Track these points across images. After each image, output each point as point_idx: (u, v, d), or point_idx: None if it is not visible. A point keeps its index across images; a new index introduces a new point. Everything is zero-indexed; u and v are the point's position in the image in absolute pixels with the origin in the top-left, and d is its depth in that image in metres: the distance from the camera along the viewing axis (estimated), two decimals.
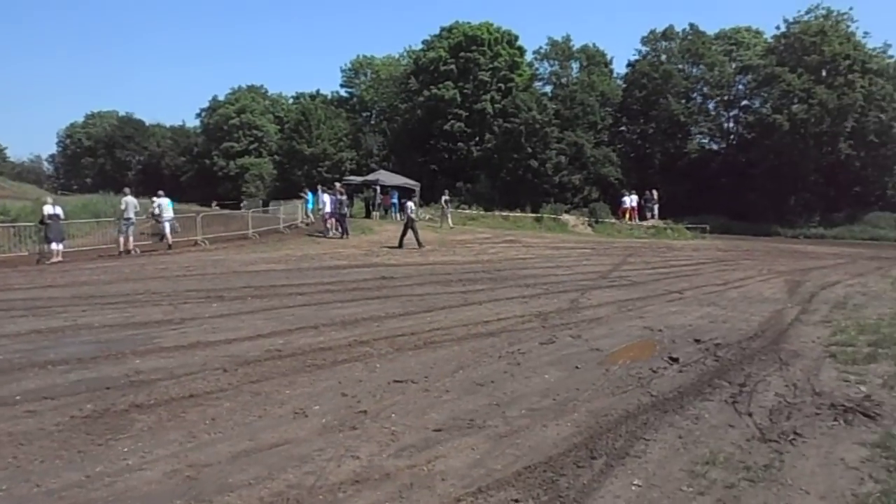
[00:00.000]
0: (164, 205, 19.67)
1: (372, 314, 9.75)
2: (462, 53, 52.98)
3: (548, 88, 56.32)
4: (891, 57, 44.84)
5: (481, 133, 52.69)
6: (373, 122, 69.33)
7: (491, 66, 53.49)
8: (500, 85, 53.71)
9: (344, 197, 24.14)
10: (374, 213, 32.97)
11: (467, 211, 37.36)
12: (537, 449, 4.70)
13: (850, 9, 46.31)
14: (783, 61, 44.43)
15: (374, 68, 71.65)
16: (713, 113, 53.19)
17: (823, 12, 45.68)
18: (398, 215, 32.64)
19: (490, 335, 8.53)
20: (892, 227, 39.51)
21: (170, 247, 18.86)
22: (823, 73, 43.15)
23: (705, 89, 51.92)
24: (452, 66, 52.82)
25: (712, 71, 50.67)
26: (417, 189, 36.78)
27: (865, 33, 44.98)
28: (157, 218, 19.93)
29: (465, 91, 52.60)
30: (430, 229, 27.58)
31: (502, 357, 7.37)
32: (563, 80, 55.29)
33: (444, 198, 31.36)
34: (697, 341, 8.49)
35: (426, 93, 52.97)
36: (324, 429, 5.02)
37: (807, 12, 46.16)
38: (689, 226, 36.35)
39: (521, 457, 4.54)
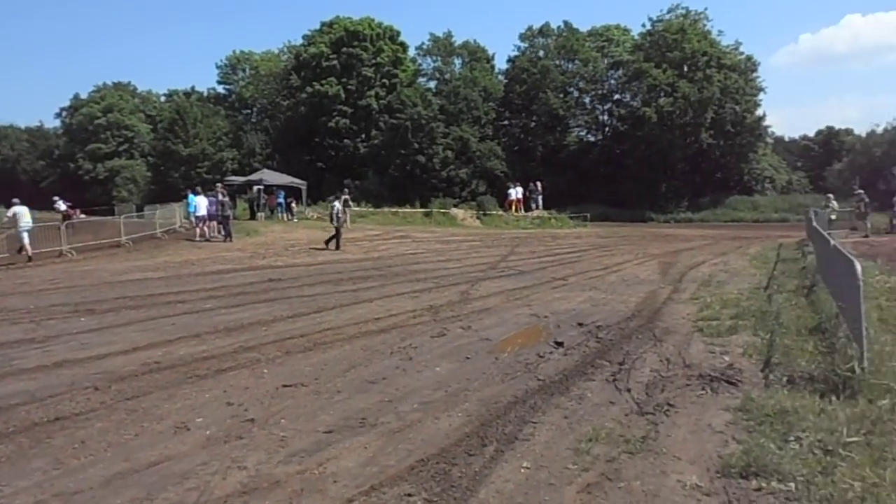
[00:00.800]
0: (21, 213, 17.92)
1: (259, 318, 9.44)
2: (344, 49, 52.29)
3: (432, 84, 56.90)
4: (742, 53, 49.07)
5: (367, 129, 52.32)
6: (254, 119, 66.70)
7: (374, 61, 53.19)
8: (384, 81, 53.54)
9: (226, 198, 23.13)
10: (258, 214, 31.82)
11: (356, 208, 36.95)
12: (430, 441, 4.73)
13: (706, 9, 50.44)
14: (649, 57, 47.39)
15: (252, 64, 68.93)
16: (589, 107, 55.83)
17: (683, 12, 49.29)
18: (285, 215, 31.74)
19: (381, 332, 8.51)
20: (749, 210, 43.40)
21: (30, 259, 17.25)
22: (685, 69, 46.51)
23: (581, 84, 54.37)
24: (335, 62, 52.02)
25: (587, 66, 53.17)
26: (304, 188, 35.94)
27: (720, 32, 49.11)
28: (9, 227, 18.14)
29: (349, 87, 51.99)
30: (319, 229, 27.10)
31: (394, 353, 7.37)
32: (447, 76, 56.07)
33: (344, 196, 30.25)
34: (581, 325, 8.89)
35: (309, 89, 51.86)
36: (207, 441, 4.80)
37: (668, 11, 49.63)
38: (572, 215, 38.00)
39: (414, 451, 4.56)
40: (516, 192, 38.29)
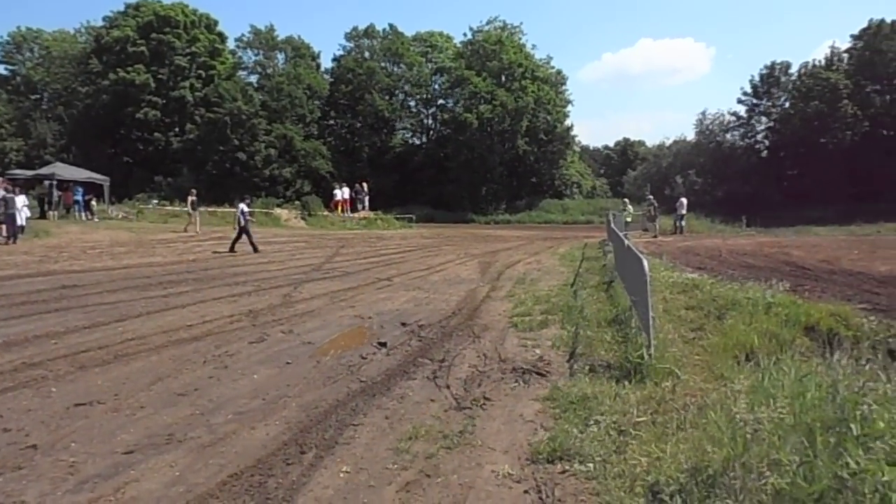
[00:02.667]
0: None
1: (48, 330, 8.35)
2: (154, 35, 48.44)
3: (253, 78, 54.62)
4: (552, 67, 53.20)
5: (181, 123, 48.97)
6: (45, 106, 59.00)
7: (189, 50, 49.92)
8: (200, 72, 50.48)
9: (11, 195, 20.23)
10: (50, 212, 28.21)
11: (168, 207, 34.32)
12: (245, 454, 4.49)
13: (521, 23, 53.92)
14: (471, 65, 49.56)
15: (42, 43, 61.11)
16: (414, 110, 57.16)
17: (500, 24, 52.31)
18: (83, 214, 28.52)
19: (194, 340, 7.94)
20: (559, 212, 47.09)
21: None
22: (503, 78, 49.29)
23: (406, 87, 55.43)
24: (143, 48, 48.02)
25: (412, 70, 54.31)
26: (107, 184, 32.62)
27: (533, 46, 52.86)
28: None
29: (161, 76, 48.29)
30: (124, 229, 24.77)
31: (207, 362, 6.91)
32: (269, 71, 54.10)
33: (190, 197, 27.08)
34: (404, 324, 9.00)
35: (112, 76, 47.30)
36: None
37: (487, 23, 52.42)
38: (398, 216, 38.55)
39: (227, 465, 4.29)
40: (342, 193, 38.00)
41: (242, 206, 19.92)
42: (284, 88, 49.02)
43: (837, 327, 7.65)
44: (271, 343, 7.87)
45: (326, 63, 56.85)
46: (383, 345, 7.71)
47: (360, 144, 52.03)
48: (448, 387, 6.06)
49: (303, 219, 35.82)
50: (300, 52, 55.09)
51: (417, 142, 57.35)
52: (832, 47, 53.68)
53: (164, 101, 48.46)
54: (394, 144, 54.19)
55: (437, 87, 55.54)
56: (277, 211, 36.49)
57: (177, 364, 6.80)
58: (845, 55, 52.46)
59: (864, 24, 51.46)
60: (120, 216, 29.72)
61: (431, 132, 57.00)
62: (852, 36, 52.56)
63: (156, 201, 36.42)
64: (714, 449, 3.70)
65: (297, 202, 40.47)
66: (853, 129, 48.71)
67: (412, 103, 56.86)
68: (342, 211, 37.36)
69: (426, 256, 19.51)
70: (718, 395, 4.90)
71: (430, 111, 57.00)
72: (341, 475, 4.16)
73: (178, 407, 5.47)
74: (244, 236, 19.46)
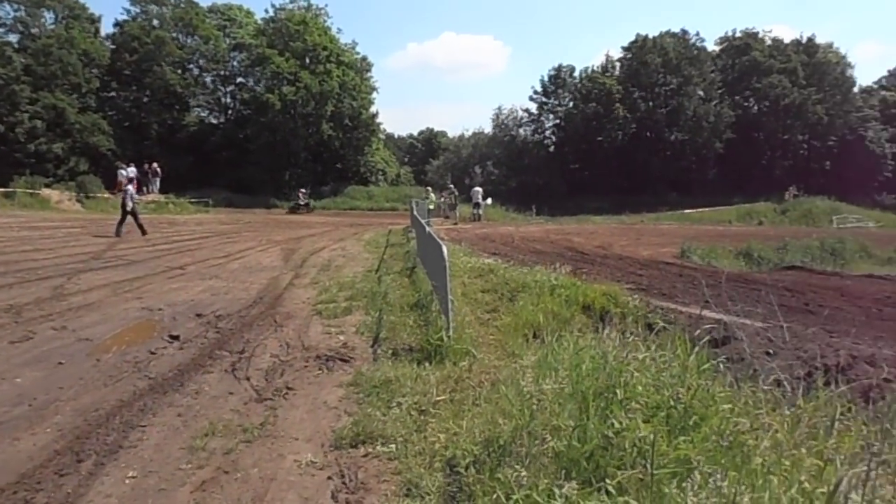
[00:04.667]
0: None
1: None
2: None
3: (12, 38, 47.09)
4: (358, 53, 52.94)
5: None
6: None
7: None
8: None
9: None
10: None
11: None
12: (6, 469, 3.93)
13: (326, 5, 52.87)
14: (273, 44, 47.54)
15: None
16: (211, 87, 53.44)
17: (305, 4, 50.80)
18: None
19: None
20: (365, 199, 47.22)
21: None
22: (307, 60, 47.99)
23: (201, 62, 51.66)
24: None
25: (207, 44, 50.69)
26: None
27: (339, 30, 51.96)
28: None
29: None
30: None
31: None
32: (34, 31, 47.10)
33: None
34: (199, 315, 8.47)
35: None
36: None
37: (291, 1, 50.54)
38: (193, 200, 35.97)
39: None
40: (129, 173, 34.47)
41: (130, 188, 20.06)
42: (54, 52, 42.92)
43: (609, 305, 8.64)
44: (39, 341, 6.95)
45: (108, 28, 50.89)
46: (175, 338, 7.19)
47: (147, 121, 47.39)
48: (248, 378, 5.83)
49: (79, 201, 31.87)
50: (74, 12, 48.61)
51: (214, 121, 53.66)
52: (607, 55, 60.36)
53: None
54: (188, 123, 50.19)
55: (235, 64, 52.44)
56: (46, 192, 31.97)
57: None
58: (618, 63, 59.19)
59: (633, 38, 58.43)
60: None
61: (230, 112, 53.76)
62: (623, 47, 59.43)
63: None
64: (505, 421, 4.00)
65: (71, 182, 35.82)
66: (624, 129, 55.27)
67: (208, 79, 53.10)
68: None
69: (225, 243, 18.48)
70: (509, 372, 5.29)
71: (229, 89, 53.68)
72: (127, 481, 3.82)
73: None
74: (130, 217, 19.22)
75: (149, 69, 46.61)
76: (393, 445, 4.24)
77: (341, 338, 7.40)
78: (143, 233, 18.85)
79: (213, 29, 51.65)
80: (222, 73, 52.67)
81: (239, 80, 52.94)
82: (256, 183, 45.16)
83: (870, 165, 57.92)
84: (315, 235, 22.20)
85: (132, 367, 6.08)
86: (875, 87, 67.77)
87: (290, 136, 46.49)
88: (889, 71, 71.71)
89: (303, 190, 41.27)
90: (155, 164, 36.33)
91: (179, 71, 49.25)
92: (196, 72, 51.99)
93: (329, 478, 3.90)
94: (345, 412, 5.00)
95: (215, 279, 11.65)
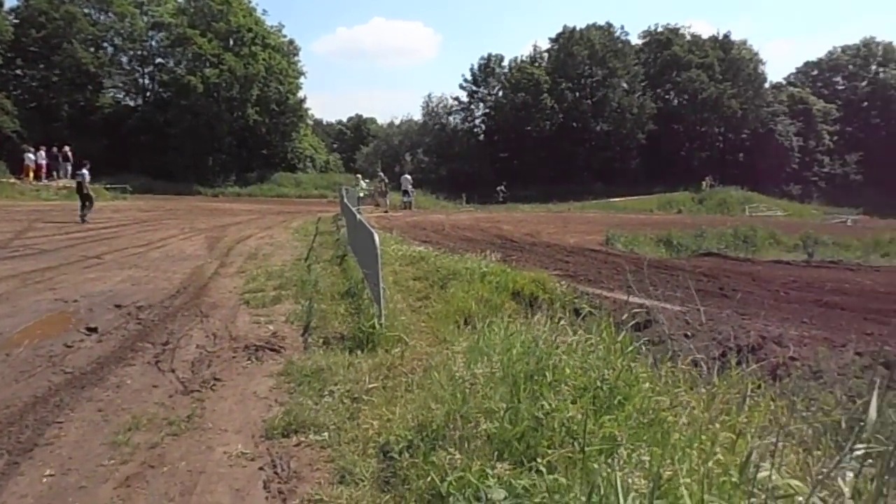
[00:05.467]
0: None
1: None
2: None
3: None
4: (285, 36, 51.54)
5: None
6: None
7: None
8: None
9: None
10: None
11: None
12: None
13: None
14: (194, 24, 45.66)
15: None
16: (127, 67, 50.81)
17: None
18: None
19: None
20: (293, 186, 46.27)
21: None
22: (231, 42, 46.39)
23: (117, 40, 49.03)
24: None
25: (123, 21, 48.11)
26: None
27: (264, 11, 50.38)
28: None
29: None
30: None
31: None
32: None
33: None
34: (119, 306, 8.10)
35: None
36: None
37: None
38: (109, 186, 34.22)
39: None
40: (37, 157, 32.46)
41: (85, 172, 20.34)
42: None
43: (537, 291, 8.87)
44: None
45: (10, 2, 47.49)
46: (93, 330, 6.86)
47: (57, 101, 44.58)
48: (173, 371, 5.65)
49: None
50: None
51: (132, 103, 51.01)
52: (535, 46, 61.29)
53: None
54: (102, 104, 47.52)
55: (154, 43, 50.01)
56: None
57: None
58: (546, 54, 60.21)
59: (560, 29, 59.57)
60: None
61: (149, 94, 51.28)
62: (550, 38, 60.50)
63: None
64: (437, 406, 4.05)
65: None
66: (552, 119, 56.36)
67: (124, 59, 50.44)
68: (36, 178, 31.91)
69: (145, 231, 17.71)
70: (441, 358, 5.35)
71: (147, 70, 51.16)
72: (44, 480, 3.65)
73: None
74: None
75: (58, 46, 43.83)
76: (326, 434, 4.23)
77: (271, 327, 7.26)
78: (83, 221, 18.88)
79: (130, 6, 49.00)
80: (140, 52, 50.12)
81: (158, 60, 50.54)
82: (178, 169, 43.36)
83: (779, 157, 61.57)
84: (241, 223, 21.61)
85: (46, 362, 5.77)
86: (784, 83, 71.99)
87: (213, 120, 44.89)
88: (797, 68, 76.63)
89: None
90: (66, 148, 34.31)
91: (92, 49, 46.57)
92: (111, 51, 49.29)
93: (261, 468, 3.85)
94: (276, 402, 4.93)
95: (135, 268, 11.16)
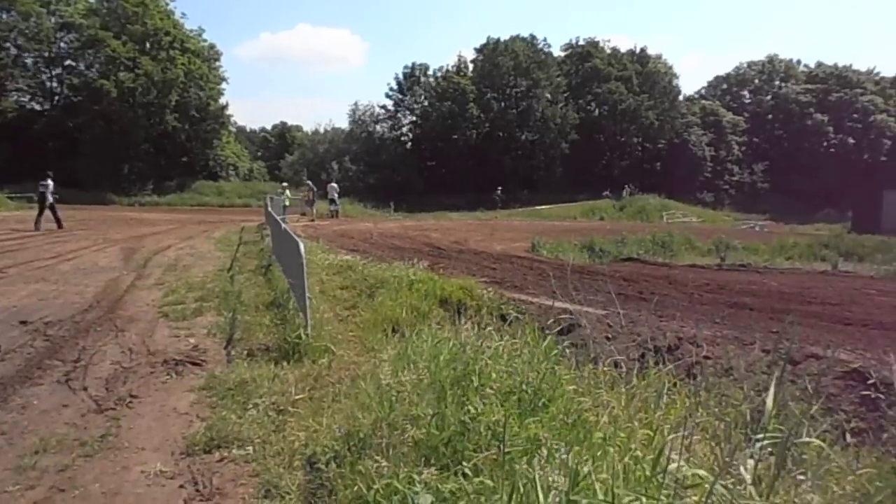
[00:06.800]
0: None
1: None
2: None
3: None
4: (205, 41, 50.10)
5: None
6: None
7: None
8: None
9: None
10: None
11: None
12: None
13: None
14: (107, 26, 43.72)
15: None
16: (33, 69, 47.98)
17: None
18: None
19: None
20: (215, 195, 44.91)
21: None
22: (148, 45, 44.67)
23: (21, 41, 46.21)
24: None
25: (28, 21, 45.42)
26: None
27: (183, 14, 48.89)
28: None
29: None
30: None
31: None
32: None
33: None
34: (24, 323, 7.63)
35: None
36: None
37: None
38: (12, 195, 32.23)
39: None
40: None
41: (50, 182, 21.15)
42: None
43: (465, 298, 8.93)
44: None
45: None
46: None
47: None
48: (85, 389, 5.36)
49: None
50: None
51: (38, 107, 48.16)
52: (459, 56, 62.10)
53: None
54: (4, 108, 44.67)
55: (63, 45, 47.46)
56: None
57: None
58: (471, 64, 61.08)
59: (485, 41, 60.58)
60: None
61: (57, 98, 48.55)
62: (476, 49, 61.42)
63: None
64: (364, 414, 4.02)
65: None
66: (478, 128, 57.19)
67: (29, 61, 47.62)
68: None
69: (53, 243, 16.75)
70: (369, 366, 5.32)
71: (55, 73, 48.49)
72: None
73: None
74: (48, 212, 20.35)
75: None
76: (250, 447, 4.12)
77: (191, 340, 7.02)
78: (60, 226, 20.21)
79: (35, 4, 46.29)
80: (46, 54, 47.40)
81: (67, 63, 47.98)
82: (90, 177, 41.19)
83: (693, 166, 64.89)
84: (159, 233, 20.78)
85: None
86: (696, 96, 75.97)
87: (128, 126, 43.00)
88: (708, 82, 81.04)
89: None
90: None
91: None
92: (14, 51, 46.41)
93: (181, 486, 3.71)
94: (197, 417, 4.77)
95: (43, 282, 10.54)
